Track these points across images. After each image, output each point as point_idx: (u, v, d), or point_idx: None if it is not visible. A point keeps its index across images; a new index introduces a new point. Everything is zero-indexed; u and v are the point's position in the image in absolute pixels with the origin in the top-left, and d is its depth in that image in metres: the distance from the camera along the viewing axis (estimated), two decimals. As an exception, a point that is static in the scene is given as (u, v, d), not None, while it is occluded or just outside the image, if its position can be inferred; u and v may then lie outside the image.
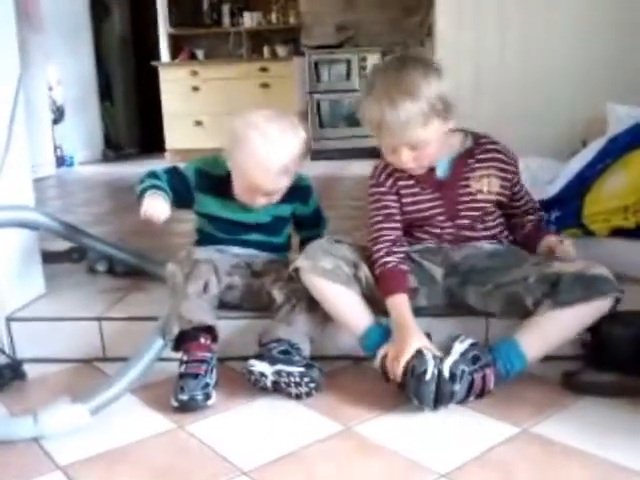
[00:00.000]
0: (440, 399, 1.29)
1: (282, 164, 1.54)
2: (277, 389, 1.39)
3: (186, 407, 1.36)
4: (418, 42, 3.60)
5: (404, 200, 1.54)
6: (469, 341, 1.37)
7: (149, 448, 1.26)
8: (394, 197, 1.54)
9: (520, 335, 1.39)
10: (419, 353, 1.32)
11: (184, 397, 1.36)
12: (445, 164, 1.52)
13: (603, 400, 1.34)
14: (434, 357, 1.32)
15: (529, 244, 1.59)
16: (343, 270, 1.48)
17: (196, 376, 1.38)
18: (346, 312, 1.49)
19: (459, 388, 1.30)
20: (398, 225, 1.54)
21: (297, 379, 1.36)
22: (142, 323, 1.61)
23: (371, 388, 1.42)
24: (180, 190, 1.63)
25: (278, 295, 1.56)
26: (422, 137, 1.41)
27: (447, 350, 1.36)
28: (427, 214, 1.54)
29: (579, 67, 2.36)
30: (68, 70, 6.49)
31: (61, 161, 6.15)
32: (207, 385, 1.39)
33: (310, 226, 1.77)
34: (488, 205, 1.54)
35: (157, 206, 1.52)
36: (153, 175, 1.61)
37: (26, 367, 1.57)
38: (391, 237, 1.52)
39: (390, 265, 1.48)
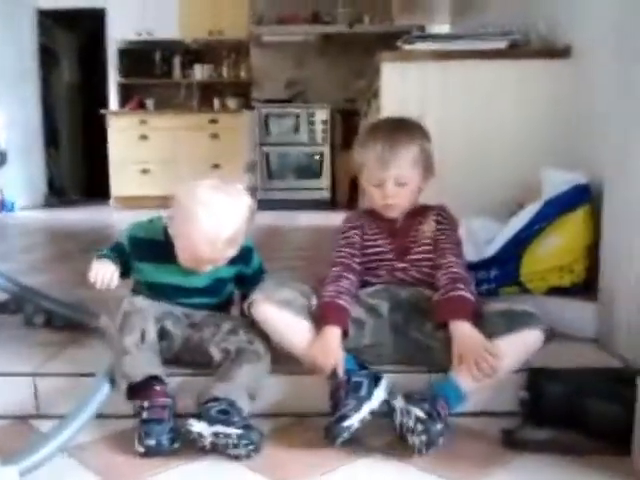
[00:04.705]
0: (431, 442, 1.33)
1: (228, 236, 1.53)
2: (216, 450, 1.36)
3: (153, 452, 1.35)
4: (365, 102, 3.70)
5: (364, 239, 1.68)
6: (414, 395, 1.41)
7: (81, 512, 1.20)
8: (360, 238, 1.68)
9: (457, 370, 1.45)
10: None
11: (151, 442, 1.35)
12: (402, 217, 1.68)
13: (542, 457, 1.36)
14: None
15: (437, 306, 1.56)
16: (299, 300, 1.54)
17: (160, 421, 1.38)
18: (300, 343, 1.51)
19: (441, 427, 1.34)
20: (358, 253, 1.65)
21: (235, 441, 1.34)
22: (78, 379, 1.56)
23: (315, 446, 1.40)
24: (127, 261, 1.65)
25: (215, 352, 1.55)
26: (407, 175, 1.61)
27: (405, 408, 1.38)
28: (379, 249, 1.67)
29: (517, 134, 2.46)
30: (13, 115, 6.41)
31: (1, 206, 6.00)
32: (172, 430, 1.38)
33: (252, 283, 1.73)
34: (430, 241, 1.65)
35: (107, 272, 1.55)
36: (109, 249, 1.66)
37: (-47, 425, 1.50)
38: (348, 261, 1.63)
39: (330, 296, 1.55)
